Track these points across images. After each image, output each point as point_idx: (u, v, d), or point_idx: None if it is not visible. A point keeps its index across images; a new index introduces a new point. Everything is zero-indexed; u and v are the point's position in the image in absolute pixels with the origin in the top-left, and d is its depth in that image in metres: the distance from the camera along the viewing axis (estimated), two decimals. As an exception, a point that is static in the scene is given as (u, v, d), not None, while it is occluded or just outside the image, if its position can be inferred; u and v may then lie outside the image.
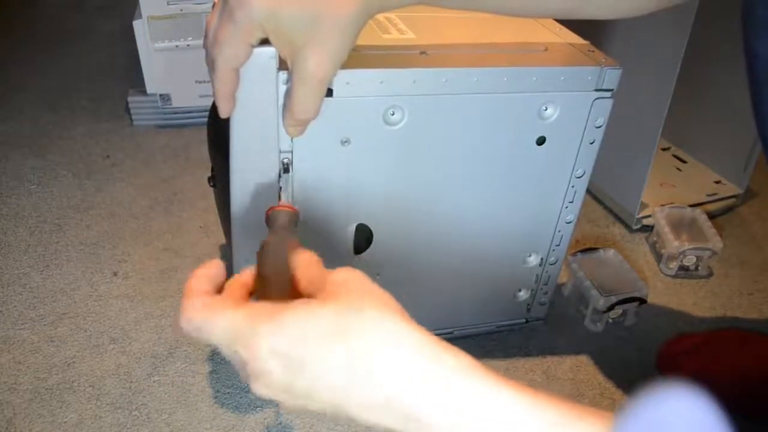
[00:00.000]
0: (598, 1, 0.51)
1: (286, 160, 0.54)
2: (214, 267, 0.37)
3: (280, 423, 0.64)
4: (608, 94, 0.59)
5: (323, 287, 0.33)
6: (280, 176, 0.55)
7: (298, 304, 0.32)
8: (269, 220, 0.43)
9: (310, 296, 0.34)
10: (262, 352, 0.31)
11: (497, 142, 0.59)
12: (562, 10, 0.53)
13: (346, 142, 0.55)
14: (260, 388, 0.32)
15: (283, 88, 0.51)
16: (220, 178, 0.63)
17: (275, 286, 0.37)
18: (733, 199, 1.00)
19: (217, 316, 0.33)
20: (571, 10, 0.51)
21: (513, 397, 0.28)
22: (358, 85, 0.52)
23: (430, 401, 0.29)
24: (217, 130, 0.60)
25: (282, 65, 0.48)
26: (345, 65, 0.52)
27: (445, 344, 0.31)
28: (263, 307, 0.32)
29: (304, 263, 0.36)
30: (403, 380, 0.29)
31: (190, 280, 0.36)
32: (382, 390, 0.29)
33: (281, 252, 0.38)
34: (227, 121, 0.52)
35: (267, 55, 0.49)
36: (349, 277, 0.34)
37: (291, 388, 0.31)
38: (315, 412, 0.32)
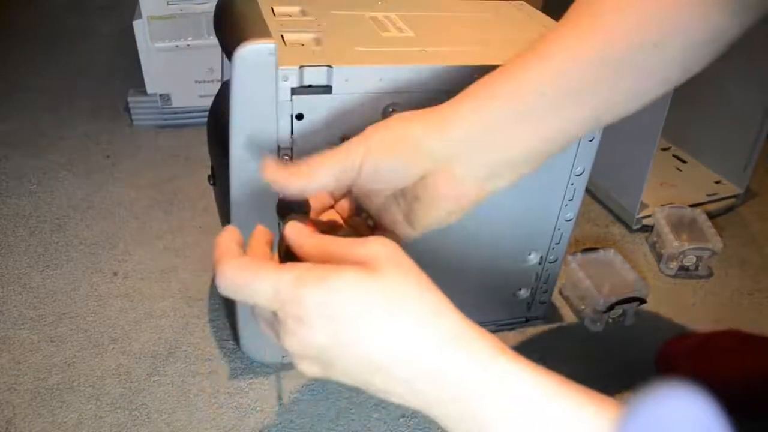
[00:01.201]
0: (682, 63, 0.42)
1: (285, 157, 0.54)
2: (234, 232, 0.38)
3: (280, 423, 0.64)
4: (608, 93, 0.59)
5: (354, 258, 0.33)
6: None
7: (347, 270, 0.32)
8: (281, 207, 0.43)
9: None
10: (309, 311, 0.32)
11: (497, 141, 0.59)
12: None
13: (345, 139, 0.55)
14: (292, 344, 0.33)
15: (282, 84, 0.51)
16: (220, 176, 0.63)
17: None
18: (733, 199, 1.00)
19: (261, 277, 0.33)
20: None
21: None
22: (357, 82, 0.52)
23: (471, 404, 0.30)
24: (217, 128, 0.60)
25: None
26: (345, 62, 0.52)
27: (478, 332, 0.32)
28: (309, 268, 0.33)
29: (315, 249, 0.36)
30: (437, 378, 0.31)
31: (219, 244, 0.37)
32: (414, 385, 0.31)
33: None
34: (227, 118, 0.52)
35: (266, 51, 0.49)
36: (388, 251, 0.34)
37: (324, 351, 0.32)
38: (331, 378, 0.33)
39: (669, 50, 0.38)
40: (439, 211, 0.43)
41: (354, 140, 0.41)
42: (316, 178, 0.40)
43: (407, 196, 0.42)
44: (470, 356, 0.31)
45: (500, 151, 0.41)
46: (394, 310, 0.31)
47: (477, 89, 0.41)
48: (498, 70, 0.41)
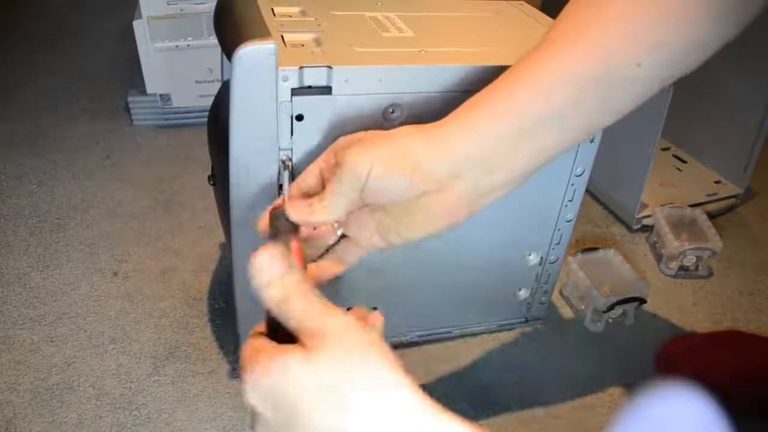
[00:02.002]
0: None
1: (285, 158, 0.54)
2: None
3: (280, 423, 0.64)
4: (608, 93, 0.59)
5: (314, 332, 0.32)
6: (279, 173, 0.55)
7: (283, 354, 0.31)
8: (272, 219, 0.43)
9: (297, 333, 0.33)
10: (253, 397, 0.32)
11: (497, 141, 0.59)
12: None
13: None
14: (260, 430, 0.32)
15: (282, 84, 0.51)
16: (220, 176, 0.63)
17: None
18: (733, 199, 1.00)
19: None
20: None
21: None
22: (356, 82, 0.52)
23: None
24: (217, 128, 0.60)
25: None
26: (345, 63, 0.52)
27: (434, 411, 0.30)
28: (263, 347, 0.33)
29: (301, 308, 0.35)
30: None
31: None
32: None
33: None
34: (227, 118, 0.52)
35: (266, 51, 0.49)
36: (339, 328, 0.32)
37: None
38: None
39: (653, 64, 0.39)
40: (431, 227, 0.43)
41: (355, 151, 0.41)
42: (333, 210, 0.41)
43: (391, 209, 0.42)
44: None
45: (501, 170, 0.41)
46: (335, 390, 0.30)
47: (474, 107, 0.41)
48: (490, 87, 0.41)
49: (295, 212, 0.41)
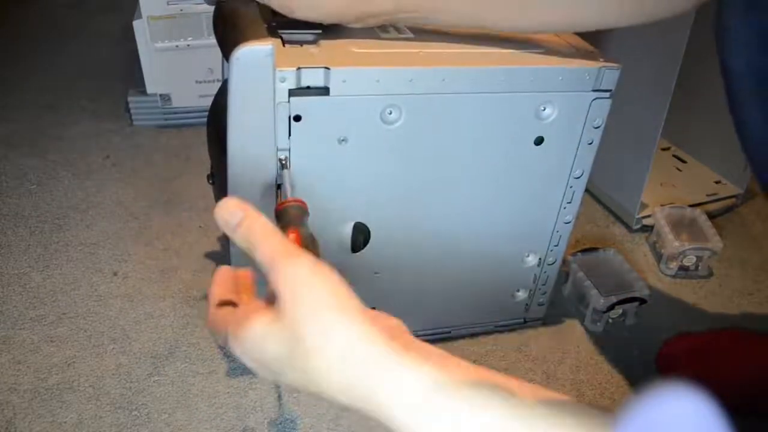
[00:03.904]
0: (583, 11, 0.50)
1: (283, 157, 0.54)
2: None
3: (281, 423, 0.64)
4: (607, 94, 0.59)
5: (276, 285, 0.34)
6: (277, 173, 0.55)
7: (253, 320, 0.34)
8: (280, 215, 0.43)
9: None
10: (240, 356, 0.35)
11: (495, 141, 0.59)
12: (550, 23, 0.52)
13: (343, 140, 0.55)
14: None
15: (280, 85, 0.51)
16: (219, 176, 0.64)
17: None
18: (733, 199, 1.00)
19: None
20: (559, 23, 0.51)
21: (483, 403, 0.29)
22: (354, 83, 0.52)
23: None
24: (216, 128, 0.60)
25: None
26: (343, 64, 0.52)
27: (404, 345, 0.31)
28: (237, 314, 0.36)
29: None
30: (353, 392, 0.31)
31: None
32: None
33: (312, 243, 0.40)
34: (226, 118, 0.52)
35: (263, 53, 0.49)
36: (296, 282, 0.33)
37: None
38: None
39: None
40: None
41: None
42: None
43: None
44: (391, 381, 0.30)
45: None
46: (295, 361, 0.32)
47: None
48: None
49: None
